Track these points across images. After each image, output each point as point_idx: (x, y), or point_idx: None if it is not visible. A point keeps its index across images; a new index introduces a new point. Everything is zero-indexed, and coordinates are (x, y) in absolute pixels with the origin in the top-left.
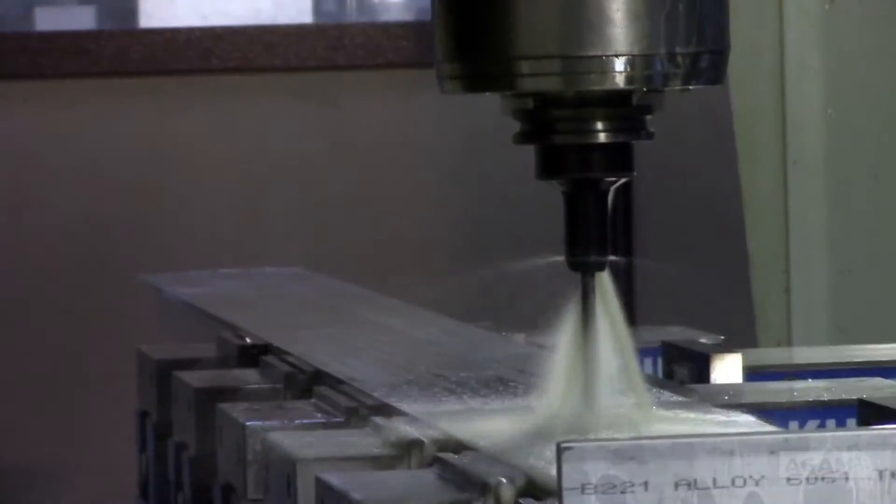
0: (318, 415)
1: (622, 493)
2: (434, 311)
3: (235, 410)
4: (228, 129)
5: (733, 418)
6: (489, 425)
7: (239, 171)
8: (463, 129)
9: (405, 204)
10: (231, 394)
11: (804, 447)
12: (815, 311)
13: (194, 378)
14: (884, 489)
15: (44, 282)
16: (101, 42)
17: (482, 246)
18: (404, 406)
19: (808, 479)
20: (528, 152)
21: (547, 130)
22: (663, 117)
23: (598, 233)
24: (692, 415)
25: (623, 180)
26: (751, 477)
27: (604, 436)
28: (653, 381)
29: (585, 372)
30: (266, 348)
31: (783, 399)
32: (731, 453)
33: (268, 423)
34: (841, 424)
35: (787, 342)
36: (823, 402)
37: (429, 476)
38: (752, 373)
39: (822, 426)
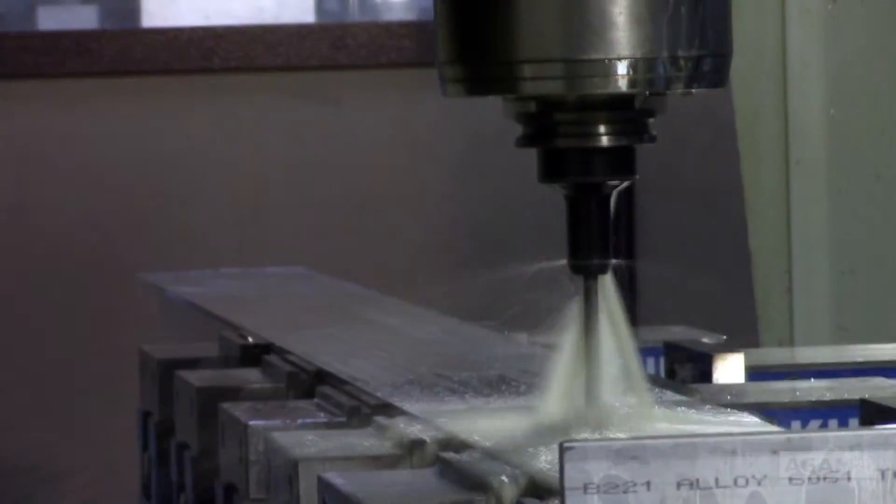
0: (321, 414)
1: (624, 492)
2: (435, 311)
3: (237, 410)
4: (230, 128)
5: (735, 418)
6: (491, 425)
7: (241, 171)
8: (465, 129)
9: (407, 203)
10: (233, 393)
11: (806, 447)
12: (817, 311)
13: (196, 378)
14: (886, 489)
15: (45, 281)
16: (103, 41)
17: (484, 245)
18: (406, 406)
19: (810, 478)
20: (530, 152)
21: (549, 134)
22: (666, 117)
23: (600, 236)
24: (694, 414)
25: (625, 184)
26: (753, 477)
27: (606, 435)
28: (655, 381)
29: (588, 375)
30: (268, 348)
31: (785, 399)
32: (734, 453)
33: (270, 422)
34: (843, 424)
35: (790, 342)
36: (825, 401)
37: (431, 476)
38: (754, 372)
39: (824, 426)
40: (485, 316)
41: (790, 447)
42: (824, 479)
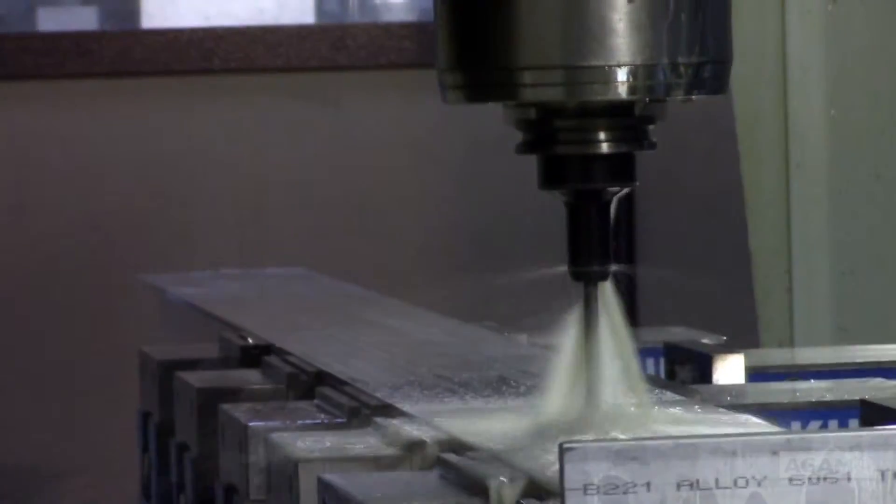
0: (321, 415)
1: (624, 493)
2: (435, 312)
3: (237, 411)
4: (231, 129)
5: (730, 417)
6: (491, 426)
7: (241, 172)
8: (465, 130)
9: (407, 204)
10: (233, 394)
11: (806, 447)
12: (817, 312)
13: (196, 378)
14: (886, 489)
15: (46, 282)
16: (103, 42)
17: (484, 246)
18: (406, 407)
19: (810, 479)
20: (530, 155)
21: (549, 140)
22: (667, 120)
23: (600, 243)
24: (691, 415)
25: (625, 190)
26: (753, 477)
27: (606, 436)
28: (655, 382)
29: (588, 382)
30: (268, 349)
31: (785, 399)
32: (734, 454)
33: (270, 423)
34: (843, 425)
35: (790, 343)
36: (825, 402)
37: (431, 477)
38: (754, 373)
39: (824, 427)
40: (484, 315)
41: (790, 448)
42: (824, 479)
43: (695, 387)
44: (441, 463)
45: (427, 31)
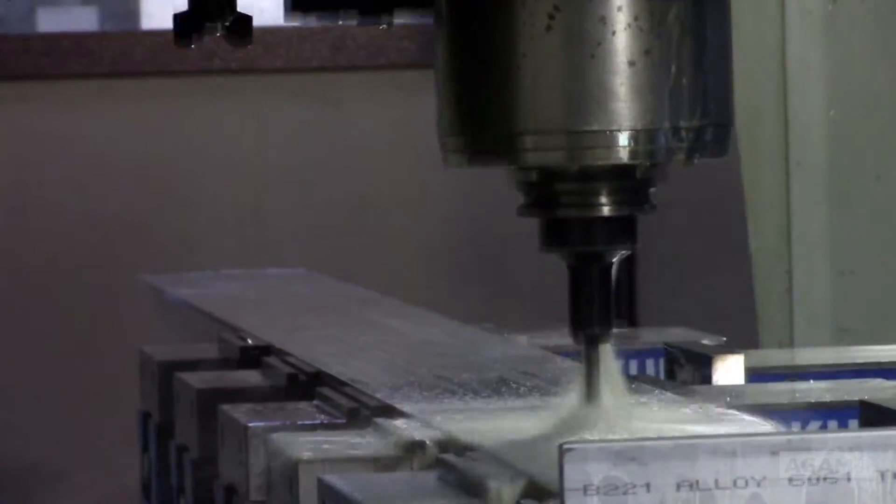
0: (320, 416)
1: (624, 494)
2: (436, 312)
3: (237, 411)
4: (230, 129)
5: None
6: (491, 427)
7: (241, 172)
8: None
9: (407, 205)
10: (233, 395)
11: (806, 448)
12: (817, 312)
13: (196, 379)
14: (885, 490)
15: (45, 282)
16: (103, 43)
17: (484, 247)
18: (406, 407)
19: (809, 479)
20: None
21: (550, 203)
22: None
23: (601, 305)
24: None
25: (627, 252)
26: (752, 478)
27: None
28: (655, 383)
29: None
30: (268, 349)
31: (785, 400)
32: (733, 454)
33: (270, 424)
34: (843, 425)
35: (789, 343)
36: (825, 403)
37: (431, 478)
38: (753, 374)
39: (824, 427)
40: (485, 315)
41: (790, 448)
42: (824, 479)
43: (694, 387)
44: (441, 463)
45: (427, 31)
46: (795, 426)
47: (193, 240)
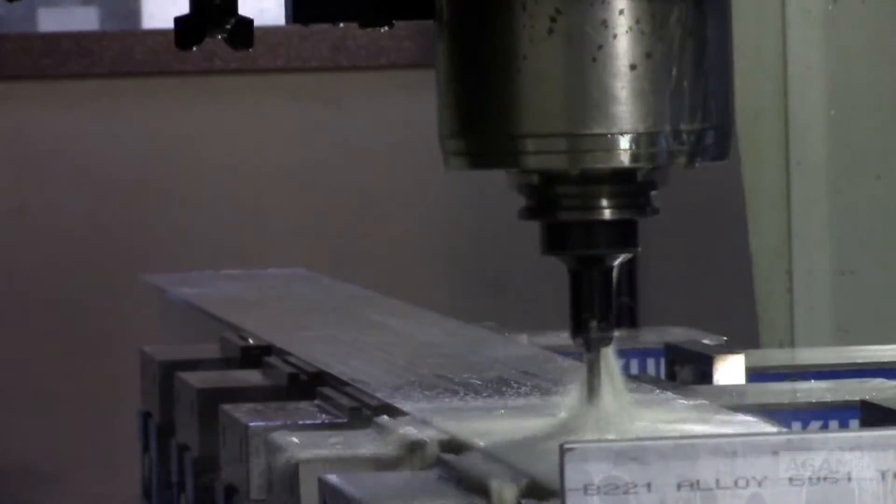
0: (321, 416)
1: (625, 493)
2: (436, 312)
3: (238, 411)
4: (231, 129)
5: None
6: (491, 426)
7: (241, 172)
8: None
9: (407, 205)
10: (234, 394)
11: (806, 448)
12: (817, 312)
13: (197, 379)
14: (886, 490)
15: (46, 282)
16: (103, 43)
17: (484, 247)
18: (407, 407)
19: (810, 479)
20: None
21: (552, 207)
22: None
23: (602, 309)
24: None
25: (628, 256)
26: (753, 477)
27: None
28: (655, 383)
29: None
30: (269, 349)
31: (786, 400)
32: (734, 454)
33: (271, 423)
34: (843, 425)
35: (790, 343)
36: (826, 403)
37: (431, 477)
38: (754, 374)
39: (824, 427)
40: (485, 315)
41: (790, 448)
42: (824, 479)
43: (695, 387)
44: (441, 463)
45: (427, 31)
46: (796, 426)
47: (193, 240)
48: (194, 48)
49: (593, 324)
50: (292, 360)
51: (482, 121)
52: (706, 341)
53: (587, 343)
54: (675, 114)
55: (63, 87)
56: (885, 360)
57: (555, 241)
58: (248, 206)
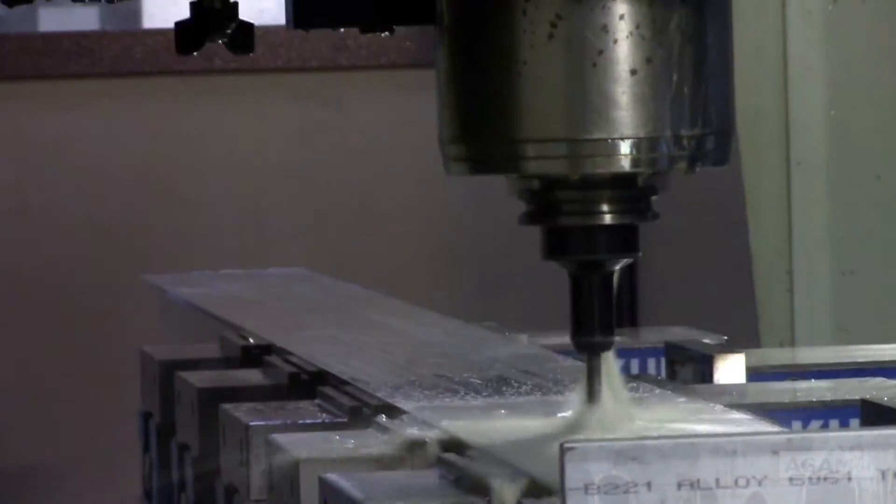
0: (322, 415)
1: (625, 493)
2: (436, 312)
3: (238, 411)
4: (231, 129)
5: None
6: (492, 426)
7: (241, 172)
8: None
9: (408, 205)
10: (234, 394)
11: (807, 447)
12: (817, 312)
13: (197, 378)
14: (886, 489)
15: (47, 282)
16: (104, 42)
17: (484, 247)
18: (407, 406)
19: (810, 479)
20: None
21: (552, 212)
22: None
23: (603, 314)
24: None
25: (629, 261)
26: (753, 477)
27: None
28: (655, 383)
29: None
30: (269, 348)
31: (786, 399)
32: (734, 453)
33: (271, 423)
34: (844, 425)
35: (790, 342)
36: (826, 402)
37: (432, 476)
38: (754, 373)
39: (824, 426)
40: (486, 315)
41: (791, 447)
42: (825, 479)
43: (695, 387)
44: (441, 463)
45: (427, 31)
46: (796, 425)
47: (194, 240)
48: (194, 53)
49: (594, 329)
50: (293, 359)
51: (483, 126)
52: (706, 341)
53: (588, 348)
54: (676, 119)
55: (63, 87)
56: (885, 359)
57: (555, 246)
58: (248, 206)
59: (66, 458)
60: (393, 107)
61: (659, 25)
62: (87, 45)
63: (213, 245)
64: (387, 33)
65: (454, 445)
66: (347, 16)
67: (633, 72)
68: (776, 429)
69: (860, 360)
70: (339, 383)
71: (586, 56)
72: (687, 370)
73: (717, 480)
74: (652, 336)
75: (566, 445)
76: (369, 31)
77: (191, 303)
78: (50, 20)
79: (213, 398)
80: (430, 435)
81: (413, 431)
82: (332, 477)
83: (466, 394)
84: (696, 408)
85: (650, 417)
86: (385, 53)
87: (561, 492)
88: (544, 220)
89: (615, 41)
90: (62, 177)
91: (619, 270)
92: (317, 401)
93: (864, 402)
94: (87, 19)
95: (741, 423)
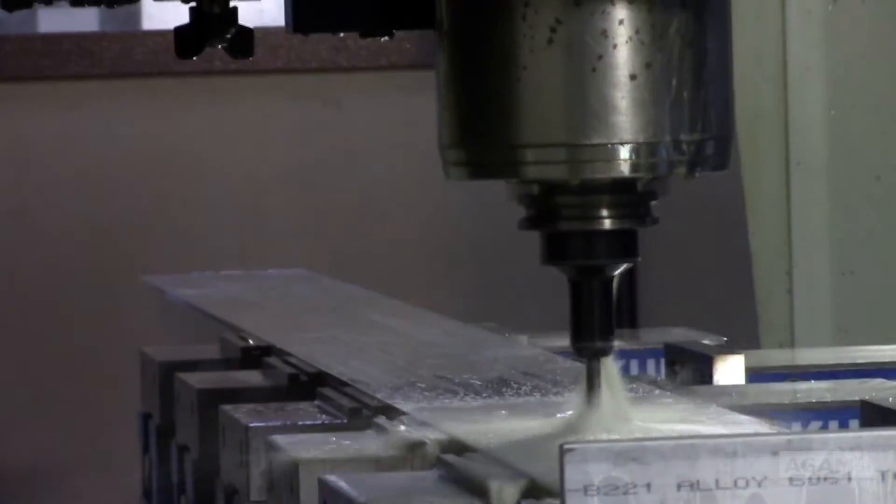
0: (321, 416)
1: (625, 494)
2: (436, 313)
3: (238, 412)
4: (231, 130)
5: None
6: (491, 427)
7: (241, 173)
8: None
9: (408, 205)
10: (234, 395)
11: (806, 448)
12: (817, 313)
13: (197, 379)
14: (886, 490)
15: (47, 283)
16: (103, 44)
17: (484, 248)
18: (407, 407)
19: (810, 479)
20: None
21: (552, 217)
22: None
23: (603, 319)
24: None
25: (628, 266)
26: (753, 478)
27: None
28: (653, 384)
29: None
30: (269, 350)
31: (786, 400)
32: (734, 454)
33: (271, 424)
34: (843, 426)
35: (790, 343)
36: (826, 403)
37: (431, 477)
38: (754, 374)
39: (824, 427)
40: (485, 316)
41: (790, 448)
42: (824, 479)
43: (695, 387)
44: (441, 463)
45: (427, 32)
46: (796, 426)
47: (194, 240)
48: (194, 58)
49: (593, 334)
50: (292, 360)
51: (482, 130)
52: (706, 341)
53: (588, 353)
54: (675, 124)
55: (63, 88)
56: (885, 360)
57: (555, 251)
58: (248, 207)
59: (66, 458)
60: (393, 107)
61: (658, 30)
62: (87, 46)
63: (213, 245)
64: (386, 38)
65: (454, 446)
66: (347, 20)
67: (633, 77)
68: (776, 429)
69: (860, 360)
70: (338, 384)
71: (586, 61)
72: (687, 371)
73: (717, 481)
74: (652, 337)
75: (566, 446)
76: (369, 36)
77: (190, 304)
78: (50, 21)
79: (212, 399)
80: (430, 436)
81: (413, 432)
82: (332, 478)
83: (466, 395)
84: (695, 408)
85: (650, 418)
86: (385, 54)
87: (561, 493)
88: (544, 226)
89: (615, 46)
90: (62, 177)
91: (619, 275)
92: (316, 402)
93: (863, 402)
94: (86, 20)
95: (741, 423)
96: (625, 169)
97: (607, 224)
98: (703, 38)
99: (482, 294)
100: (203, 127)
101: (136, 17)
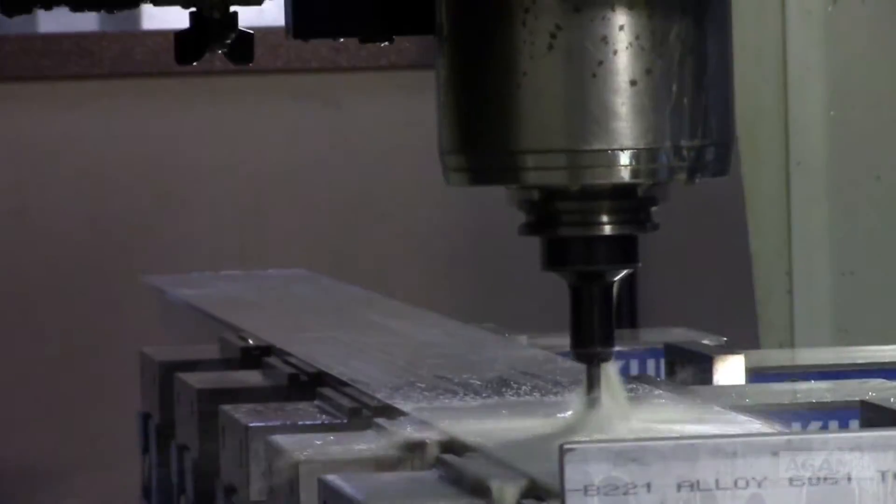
0: (321, 416)
1: (625, 494)
2: (436, 313)
3: (238, 412)
4: (231, 130)
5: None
6: (491, 427)
7: (241, 173)
8: None
9: (407, 205)
10: (234, 395)
11: (807, 448)
12: (817, 313)
13: (197, 379)
14: (886, 490)
15: (47, 283)
16: (103, 43)
17: (484, 248)
18: (407, 407)
19: (810, 479)
20: None
21: (552, 223)
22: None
23: (603, 325)
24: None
25: (628, 271)
26: (753, 478)
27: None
28: (653, 384)
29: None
30: (268, 350)
31: (786, 400)
32: (734, 454)
33: (270, 424)
34: (843, 426)
35: (790, 343)
36: (826, 403)
37: (431, 477)
38: (754, 374)
39: (824, 427)
40: (485, 316)
41: (790, 448)
42: (824, 480)
43: (695, 388)
44: (441, 463)
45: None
46: (796, 426)
47: (193, 240)
48: (194, 63)
49: (593, 340)
50: (292, 360)
51: (482, 137)
52: (706, 341)
53: (587, 359)
54: (676, 130)
55: (63, 88)
56: (885, 360)
57: (555, 256)
58: (248, 207)
59: (66, 457)
60: (393, 108)
61: (658, 36)
62: (87, 46)
63: (213, 245)
64: (386, 43)
65: (454, 446)
66: (346, 26)
67: (633, 83)
68: (776, 430)
69: (860, 361)
70: (338, 384)
71: (586, 67)
72: (686, 371)
73: (717, 481)
74: (651, 337)
75: (566, 446)
76: (368, 41)
77: (190, 304)
78: (50, 21)
79: (212, 399)
80: (430, 436)
81: (412, 432)
82: (332, 478)
83: (466, 395)
84: (695, 409)
85: (649, 419)
86: (385, 55)
87: (561, 493)
88: (544, 231)
89: (615, 52)
90: (62, 177)
91: (619, 283)
92: (316, 402)
93: (863, 402)
94: (86, 20)
95: (741, 423)
96: (625, 175)
97: (607, 230)
98: (704, 44)
99: (482, 294)
100: (203, 127)
101: (136, 17)
